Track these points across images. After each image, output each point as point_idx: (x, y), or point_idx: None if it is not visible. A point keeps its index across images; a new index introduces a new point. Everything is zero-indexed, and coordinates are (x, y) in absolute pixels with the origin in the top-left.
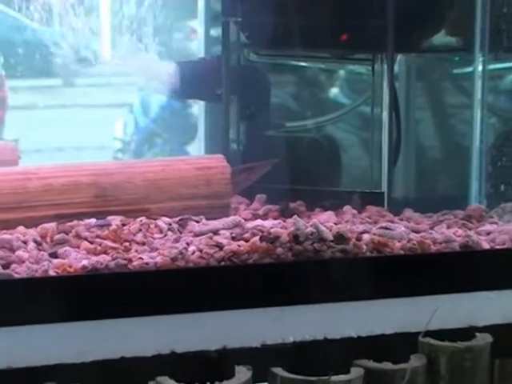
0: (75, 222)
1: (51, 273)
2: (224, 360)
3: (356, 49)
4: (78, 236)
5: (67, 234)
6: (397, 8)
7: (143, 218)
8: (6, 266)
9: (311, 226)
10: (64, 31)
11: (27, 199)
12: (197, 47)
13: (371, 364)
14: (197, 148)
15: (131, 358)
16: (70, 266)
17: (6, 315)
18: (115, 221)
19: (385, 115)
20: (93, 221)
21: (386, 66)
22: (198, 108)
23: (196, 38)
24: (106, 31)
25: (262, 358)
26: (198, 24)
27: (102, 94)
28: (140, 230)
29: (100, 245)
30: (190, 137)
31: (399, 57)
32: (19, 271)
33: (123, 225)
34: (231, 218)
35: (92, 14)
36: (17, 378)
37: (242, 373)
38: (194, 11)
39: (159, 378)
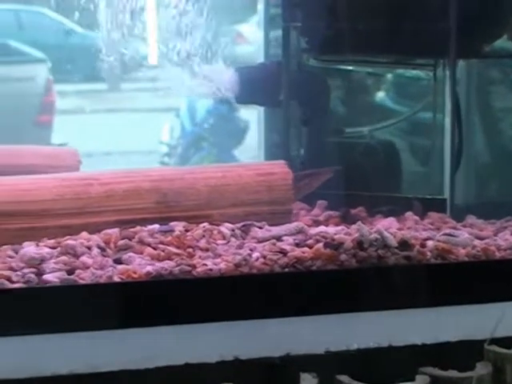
0: (138, 228)
1: (116, 279)
2: (287, 367)
3: (418, 54)
4: (141, 242)
5: (130, 240)
6: (459, 13)
7: (206, 224)
8: (70, 272)
9: (375, 232)
10: (111, 35)
11: (89, 205)
12: (243, 52)
13: (437, 372)
14: (252, 153)
15: (195, 364)
16: (135, 272)
17: (70, 321)
18: (178, 227)
19: (447, 121)
20: (156, 227)
21: (447, 72)
22: (246, 113)
23: (243, 42)
24: (152, 35)
25: (325, 365)
26: (256, 29)
27: (149, 99)
28: (203, 236)
29: (163, 251)
30: (238, 141)
31: (460, 62)
32: (84, 277)
33: (186, 231)
34: (294, 224)
35: (139, 19)
36: None
37: (308, 380)
38: (241, 15)
39: None
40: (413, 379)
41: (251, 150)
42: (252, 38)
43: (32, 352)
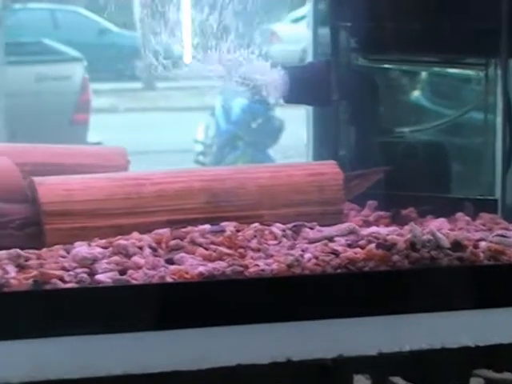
0: (189, 228)
1: (168, 279)
2: (340, 368)
3: (468, 53)
4: (192, 242)
5: (182, 240)
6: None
7: (257, 225)
8: (122, 272)
9: (428, 233)
10: (145, 34)
11: (140, 205)
12: (277, 51)
13: (491, 374)
14: (290, 152)
15: (247, 365)
16: (187, 273)
17: (122, 321)
18: (229, 227)
19: (498, 121)
20: (207, 227)
21: (499, 71)
22: (282, 112)
23: (277, 41)
24: (187, 34)
25: (378, 366)
26: (305, 28)
27: (183, 97)
28: (254, 236)
29: (215, 251)
30: (273, 140)
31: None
32: (136, 277)
33: (237, 231)
34: (346, 225)
35: (174, 17)
36: None
37: (361, 382)
38: (276, 14)
39: None
40: (467, 381)
41: (288, 149)
42: (286, 38)
43: (86, 352)
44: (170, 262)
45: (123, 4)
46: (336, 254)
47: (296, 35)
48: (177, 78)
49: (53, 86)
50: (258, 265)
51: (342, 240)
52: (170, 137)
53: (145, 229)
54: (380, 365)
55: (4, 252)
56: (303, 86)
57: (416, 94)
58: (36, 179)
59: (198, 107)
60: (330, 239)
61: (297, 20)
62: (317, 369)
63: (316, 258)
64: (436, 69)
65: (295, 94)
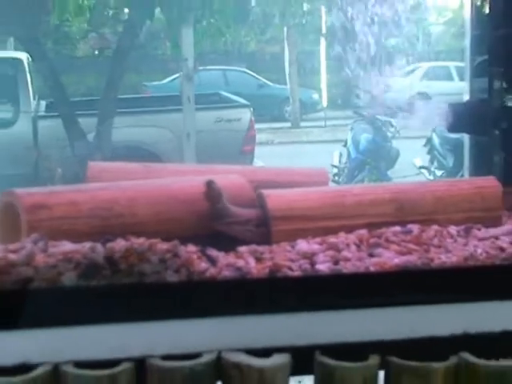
0: (384, 230)
1: (371, 269)
2: None
3: None
4: (387, 240)
5: (379, 239)
6: None
7: (436, 226)
8: (335, 263)
9: None
10: (293, 87)
11: (344, 211)
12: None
13: None
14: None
15: None
16: (385, 264)
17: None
18: (415, 228)
19: None
20: (397, 228)
21: None
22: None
23: (388, 90)
24: (324, 84)
25: None
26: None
27: (320, 133)
28: (435, 235)
29: (405, 247)
30: (391, 164)
31: None
32: (346, 267)
33: (421, 232)
34: (507, 227)
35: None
36: None
37: None
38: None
39: None
40: None
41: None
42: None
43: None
44: (371, 255)
45: (276, 63)
46: (502, 249)
47: (404, 85)
48: (317, 119)
49: (227, 126)
50: (440, 258)
51: (506, 239)
52: (311, 162)
53: (348, 230)
54: None
55: (245, 247)
56: (463, 118)
57: None
58: (264, 191)
59: (333, 140)
60: (496, 238)
61: (407, 73)
62: None
63: (486, 252)
64: None
65: (457, 125)
